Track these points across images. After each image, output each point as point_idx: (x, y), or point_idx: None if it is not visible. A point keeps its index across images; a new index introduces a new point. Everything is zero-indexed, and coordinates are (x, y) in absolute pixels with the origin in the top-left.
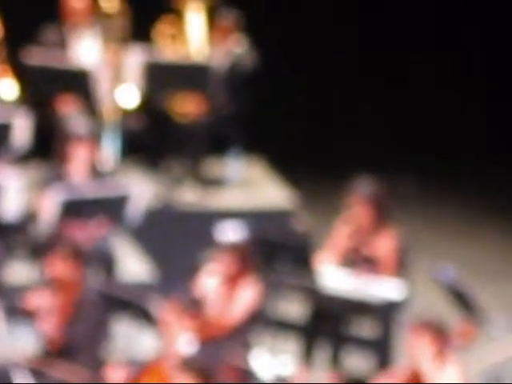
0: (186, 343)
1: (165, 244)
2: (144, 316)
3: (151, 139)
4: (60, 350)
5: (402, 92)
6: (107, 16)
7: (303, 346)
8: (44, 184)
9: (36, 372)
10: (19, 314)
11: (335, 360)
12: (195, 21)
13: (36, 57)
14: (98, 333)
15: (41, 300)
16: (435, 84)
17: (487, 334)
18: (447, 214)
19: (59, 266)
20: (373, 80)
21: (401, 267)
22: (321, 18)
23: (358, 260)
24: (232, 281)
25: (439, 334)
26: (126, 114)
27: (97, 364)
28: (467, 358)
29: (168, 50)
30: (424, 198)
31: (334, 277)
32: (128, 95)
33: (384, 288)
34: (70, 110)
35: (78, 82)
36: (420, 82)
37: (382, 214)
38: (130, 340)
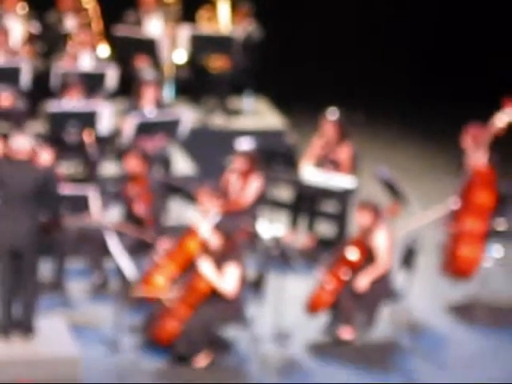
0: (214, 214)
1: (203, 151)
2: (188, 197)
3: (194, 84)
4: (139, 220)
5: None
6: (167, 4)
7: (290, 218)
8: (126, 112)
9: (119, 232)
10: (110, 197)
11: (311, 227)
12: (223, 8)
13: (122, 30)
14: (162, 208)
15: (131, 189)
16: None
17: (407, 211)
18: (384, 131)
19: (132, 163)
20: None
21: (354, 168)
22: None
23: (326, 162)
24: (245, 175)
25: (374, 210)
26: (179, 67)
27: (161, 229)
28: (394, 227)
29: (205, 27)
30: (371, 123)
31: (311, 173)
32: (180, 56)
33: (343, 181)
34: (143, 65)
35: (149, 47)
36: None
37: (343, 132)
38: (180, 212)
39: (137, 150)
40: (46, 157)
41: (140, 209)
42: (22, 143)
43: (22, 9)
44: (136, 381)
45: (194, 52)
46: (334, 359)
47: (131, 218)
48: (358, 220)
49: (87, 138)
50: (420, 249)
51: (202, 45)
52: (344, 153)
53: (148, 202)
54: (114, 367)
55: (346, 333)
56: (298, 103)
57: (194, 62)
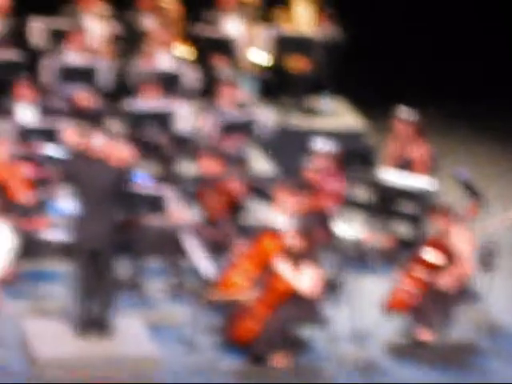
0: (292, 214)
1: (281, 151)
2: (266, 196)
3: (274, 84)
4: (215, 221)
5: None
6: (245, 5)
7: (369, 218)
8: (205, 111)
9: (196, 232)
10: (188, 197)
11: (389, 228)
12: (303, 9)
13: (201, 30)
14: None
15: (207, 189)
16: None
17: (486, 212)
18: (462, 134)
19: (208, 164)
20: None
21: (430, 167)
22: None
23: (403, 163)
24: (325, 175)
25: (446, 214)
26: (259, 67)
27: (238, 229)
28: (473, 228)
29: (285, 28)
30: (446, 123)
31: (389, 174)
32: (259, 56)
33: (422, 182)
34: (222, 65)
35: (228, 47)
36: None
37: (417, 131)
38: (260, 212)
39: (213, 150)
40: (124, 155)
41: (214, 209)
42: (101, 142)
43: (101, 9)
44: (214, 380)
45: (276, 53)
46: (411, 360)
47: (208, 218)
48: (432, 223)
49: (165, 137)
50: (499, 250)
51: (284, 46)
52: (419, 152)
53: (223, 202)
54: (192, 367)
55: (425, 334)
56: (374, 104)
57: (274, 63)
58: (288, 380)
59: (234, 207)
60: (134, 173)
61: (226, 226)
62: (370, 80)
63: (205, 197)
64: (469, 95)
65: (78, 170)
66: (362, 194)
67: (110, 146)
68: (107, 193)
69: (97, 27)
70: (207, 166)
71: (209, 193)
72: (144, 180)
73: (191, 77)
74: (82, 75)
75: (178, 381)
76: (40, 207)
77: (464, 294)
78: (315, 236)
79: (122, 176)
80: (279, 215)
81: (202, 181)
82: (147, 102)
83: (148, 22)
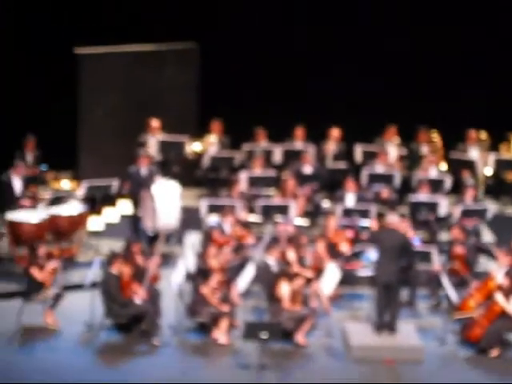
0: (507, 266)
1: (499, 229)
2: (491, 255)
3: (497, 189)
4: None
5: None
6: (481, 140)
7: None
8: (456, 202)
9: (451, 274)
10: (444, 253)
11: None
12: None
13: (454, 155)
14: (474, 261)
15: (456, 249)
16: None
17: None
18: None
19: (456, 233)
20: None
21: None
22: None
23: None
24: None
25: None
26: (488, 178)
27: (474, 274)
28: None
29: (505, 154)
30: None
31: None
32: (489, 171)
33: None
34: (467, 177)
35: (471, 165)
36: None
37: None
38: (486, 264)
39: (459, 226)
40: (407, 228)
41: (456, 260)
42: (393, 218)
43: (396, 140)
44: (453, 365)
45: (498, 169)
46: None
47: (453, 267)
48: None
49: (431, 217)
50: None
51: (503, 165)
52: None
53: (464, 255)
54: (439, 354)
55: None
56: None
57: (497, 175)
58: (502, 367)
59: (471, 260)
60: (413, 238)
61: (465, 272)
62: None
63: (454, 254)
64: None
65: (380, 235)
66: None
67: (400, 222)
68: (397, 249)
69: (393, 150)
70: (456, 235)
71: (456, 251)
72: (418, 242)
73: (448, 182)
74: (384, 178)
75: (433, 362)
76: (357, 255)
77: None
78: None
79: (405, 239)
80: (498, 267)
81: (452, 244)
82: (423, 195)
83: (424, 150)
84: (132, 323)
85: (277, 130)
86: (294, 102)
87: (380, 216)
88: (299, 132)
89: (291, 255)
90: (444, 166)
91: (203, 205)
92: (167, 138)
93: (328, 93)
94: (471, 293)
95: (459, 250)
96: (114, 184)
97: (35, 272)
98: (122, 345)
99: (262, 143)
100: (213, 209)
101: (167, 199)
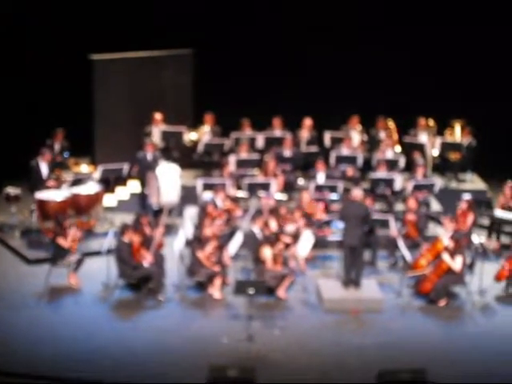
0: (450, 230)
1: (445, 200)
2: (438, 221)
3: (441, 166)
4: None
5: None
6: (430, 127)
7: (488, 233)
8: (409, 178)
9: (405, 240)
10: (398, 220)
11: (498, 238)
12: (457, 129)
13: (407, 139)
14: (424, 226)
15: (408, 215)
16: None
17: None
18: None
19: (410, 204)
20: None
21: None
22: None
23: (507, 208)
24: (466, 212)
25: None
26: (434, 158)
27: (423, 237)
28: None
29: (448, 138)
30: None
31: (500, 212)
32: (435, 152)
33: None
34: (417, 157)
35: (421, 148)
36: None
37: None
38: (434, 229)
39: (413, 198)
40: (368, 201)
41: (410, 226)
42: (357, 192)
43: (359, 128)
44: (408, 313)
45: (443, 150)
46: (509, 305)
47: (406, 232)
48: None
49: (388, 191)
50: None
51: (447, 147)
52: None
53: (416, 222)
54: (396, 305)
55: None
56: (498, 176)
57: (442, 155)
58: (449, 314)
59: (422, 226)
60: (371, 209)
61: (415, 235)
62: (493, 160)
63: (406, 220)
64: None
65: (347, 206)
66: (485, 221)
67: (361, 194)
68: (360, 218)
69: (356, 136)
70: (409, 205)
71: (408, 217)
72: (374, 211)
73: (402, 161)
74: (349, 159)
75: (391, 311)
76: (328, 223)
77: None
78: (462, 241)
79: (367, 209)
80: (445, 232)
81: (405, 213)
82: (381, 173)
83: (381, 135)
84: (141, 283)
85: (259, 120)
86: (273, 97)
87: (346, 191)
88: (278, 122)
89: (273, 224)
90: (398, 149)
91: (199, 183)
92: (168, 128)
93: (301, 88)
94: (422, 253)
95: (411, 217)
96: (125, 167)
97: (61, 241)
98: (133, 301)
99: (247, 132)
100: (207, 187)
101: (169, 179)
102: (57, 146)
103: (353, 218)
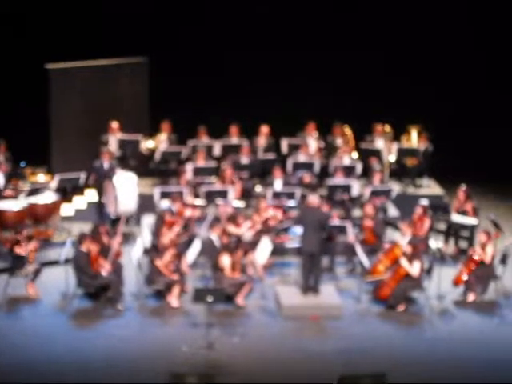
0: (408, 236)
1: (402, 205)
2: (396, 227)
3: (398, 172)
4: (367, 240)
5: None
6: (386, 132)
7: (445, 238)
8: (366, 184)
9: (361, 245)
10: (356, 226)
11: (456, 243)
12: (414, 134)
13: (364, 145)
14: (382, 232)
15: (365, 221)
16: None
17: (503, 237)
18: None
19: (367, 210)
20: None
21: (476, 215)
22: None
23: (462, 212)
24: (422, 217)
25: (487, 234)
26: (391, 164)
27: (382, 242)
28: (496, 244)
29: (405, 144)
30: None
31: (455, 217)
32: (392, 158)
33: (471, 220)
34: (375, 163)
35: (378, 154)
36: None
37: (468, 197)
38: (392, 234)
39: (370, 204)
40: (325, 207)
41: (367, 232)
42: (314, 199)
43: (315, 135)
44: (367, 319)
45: (400, 156)
46: (467, 310)
47: (363, 238)
48: (479, 238)
49: (346, 197)
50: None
51: (403, 153)
52: (469, 207)
53: (373, 228)
54: (355, 310)
55: (471, 296)
56: (455, 180)
57: (399, 161)
58: (406, 319)
59: (380, 232)
60: (329, 214)
61: (373, 241)
62: (450, 166)
63: (364, 226)
64: None
65: (305, 213)
66: (442, 226)
67: (319, 201)
68: (317, 224)
69: (313, 143)
70: (367, 211)
71: (365, 223)
72: (333, 219)
73: (359, 168)
74: (306, 166)
75: (348, 318)
76: (285, 230)
77: (491, 275)
78: (419, 247)
79: (324, 216)
80: (402, 236)
81: (363, 219)
82: (338, 179)
83: (338, 141)
84: (100, 292)
85: (215, 128)
86: (229, 105)
87: (303, 197)
88: (234, 129)
89: (232, 229)
90: (355, 155)
91: (156, 192)
92: (125, 136)
93: (258, 96)
94: (380, 259)
95: (369, 223)
96: (82, 176)
97: (18, 250)
98: (92, 310)
99: (204, 139)
100: (164, 195)
101: (126, 188)
102: (1, 158)
103: (310, 224)
